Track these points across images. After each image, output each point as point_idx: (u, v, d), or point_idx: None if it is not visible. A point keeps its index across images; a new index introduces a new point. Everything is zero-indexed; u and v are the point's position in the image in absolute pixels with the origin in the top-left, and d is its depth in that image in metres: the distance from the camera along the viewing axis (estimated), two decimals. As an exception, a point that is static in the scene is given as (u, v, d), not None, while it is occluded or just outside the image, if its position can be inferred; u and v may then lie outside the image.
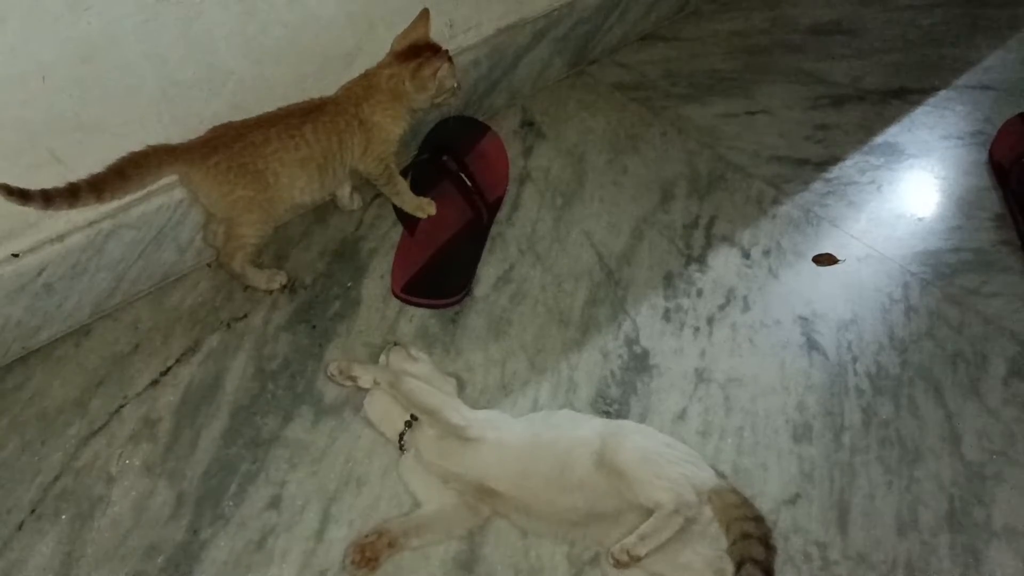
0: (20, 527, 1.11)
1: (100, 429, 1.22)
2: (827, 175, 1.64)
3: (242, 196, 1.28)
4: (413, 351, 1.26)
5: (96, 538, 1.11)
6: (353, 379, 1.22)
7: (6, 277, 1.22)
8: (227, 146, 1.26)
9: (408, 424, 1.17)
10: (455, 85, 1.40)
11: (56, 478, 1.16)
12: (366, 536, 1.08)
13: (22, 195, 1.10)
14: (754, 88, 1.85)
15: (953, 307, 1.39)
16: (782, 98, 1.82)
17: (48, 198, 1.13)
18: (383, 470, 1.18)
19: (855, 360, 1.32)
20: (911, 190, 1.62)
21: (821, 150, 1.70)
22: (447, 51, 1.36)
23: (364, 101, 1.35)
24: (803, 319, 1.38)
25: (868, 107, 1.80)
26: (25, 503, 1.14)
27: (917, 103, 1.80)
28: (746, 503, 1.07)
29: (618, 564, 1.01)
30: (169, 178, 1.29)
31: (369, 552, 1.07)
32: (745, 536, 1.03)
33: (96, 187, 1.17)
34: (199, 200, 1.32)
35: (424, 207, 1.47)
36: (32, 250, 1.24)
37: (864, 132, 1.74)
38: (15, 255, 1.23)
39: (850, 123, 1.76)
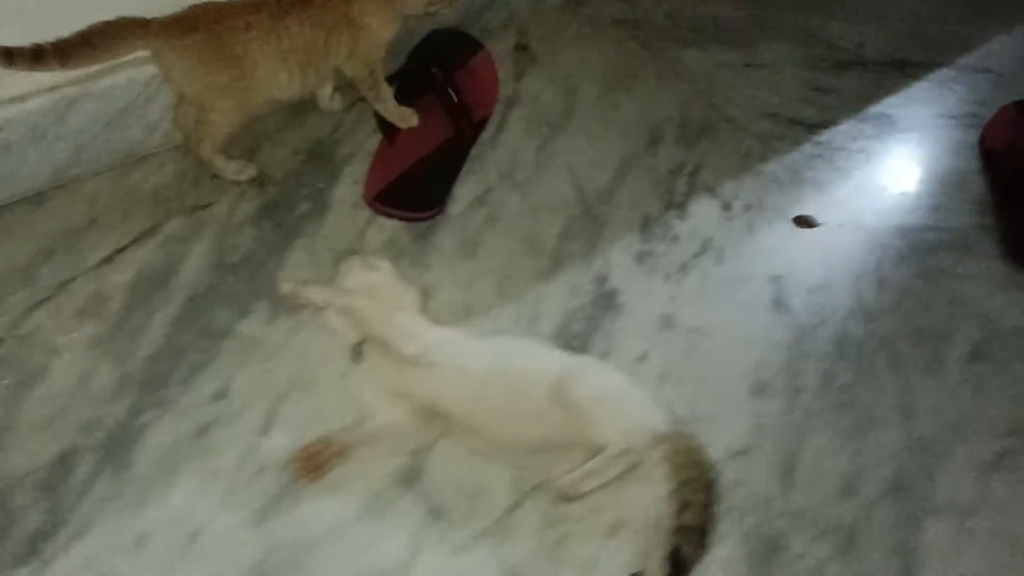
0: (-48, 391, 1.08)
1: (46, 300, 1.18)
2: (818, 138, 1.61)
3: (216, 81, 1.22)
4: (372, 259, 1.21)
5: (31, 408, 1.07)
6: (307, 299, 1.18)
7: (-40, 132, 1.17)
8: (206, 27, 1.19)
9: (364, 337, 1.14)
10: (451, -7, 1.35)
11: (-5, 344, 1.13)
12: (313, 444, 1.06)
13: None
14: (756, 41, 1.80)
15: (924, 284, 1.39)
16: (783, 55, 1.78)
17: (9, 56, 1.08)
18: (335, 377, 1.15)
19: (822, 324, 1.31)
20: (899, 164, 1.61)
21: (815, 113, 1.66)
22: (445, -46, 1.30)
23: (355, 0, 1.30)
24: (775, 277, 1.37)
25: (868, 75, 1.77)
26: (-40, 367, 1.10)
27: (917, 77, 1.77)
28: (696, 449, 1.06)
29: (562, 497, 1.00)
30: (141, 53, 1.22)
31: (316, 460, 1.05)
32: (690, 482, 1.02)
33: (62, 53, 1.11)
34: (170, 80, 1.26)
35: (407, 117, 1.42)
36: (-10, 107, 1.18)
37: (860, 100, 1.71)
38: (-28, 110, 1.17)
39: (848, 89, 1.73)
